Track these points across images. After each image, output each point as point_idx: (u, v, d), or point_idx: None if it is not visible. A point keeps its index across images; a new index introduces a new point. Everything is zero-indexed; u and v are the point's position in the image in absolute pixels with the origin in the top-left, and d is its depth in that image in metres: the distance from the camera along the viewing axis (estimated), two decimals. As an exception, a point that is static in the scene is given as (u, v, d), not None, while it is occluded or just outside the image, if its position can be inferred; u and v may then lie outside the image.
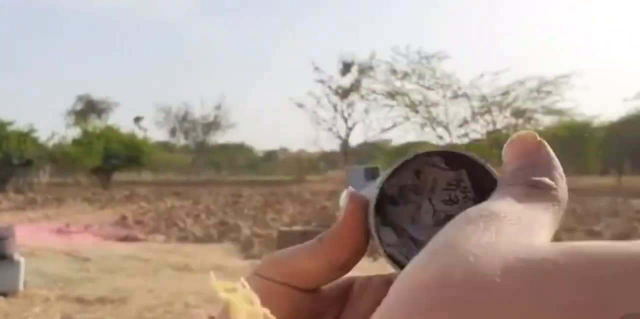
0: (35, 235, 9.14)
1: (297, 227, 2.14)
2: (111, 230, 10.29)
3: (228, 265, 6.97)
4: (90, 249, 8.04)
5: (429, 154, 0.34)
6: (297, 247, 0.34)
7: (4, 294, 5.16)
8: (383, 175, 0.33)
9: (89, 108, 43.41)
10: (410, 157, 0.32)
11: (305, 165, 30.36)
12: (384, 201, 0.36)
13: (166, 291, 5.56)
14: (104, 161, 25.55)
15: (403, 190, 0.37)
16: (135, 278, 6.28)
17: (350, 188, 0.36)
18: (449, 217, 0.35)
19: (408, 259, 0.35)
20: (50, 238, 9.19)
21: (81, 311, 4.81)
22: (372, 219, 0.33)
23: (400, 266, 0.34)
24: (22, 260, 5.48)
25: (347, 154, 33.58)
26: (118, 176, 27.56)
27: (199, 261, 7.16)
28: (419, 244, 0.36)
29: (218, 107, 39.83)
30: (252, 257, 7.21)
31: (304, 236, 2.11)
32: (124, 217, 11.57)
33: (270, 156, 41.42)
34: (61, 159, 25.64)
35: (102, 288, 5.68)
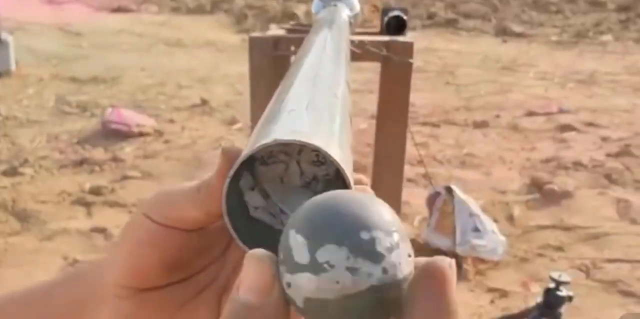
0: (24, 6, 8.90)
1: (271, 32, 2.04)
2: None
3: (220, 40, 6.89)
4: (82, 23, 7.89)
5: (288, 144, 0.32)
6: (180, 191, 0.36)
7: (-3, 75, 5.19)
8: (247, 150, 0.32)
9: None
10: (271, 142, 0.31)
11: None
12: (254, 161, 0.36)
13: (159, 69, 5.58)
14: None
15: (273, 152, 0.36)
16: (128, 54, 6.26)
17: (226, 145, 0.36)
18: (316, 178, 0.38)
19: (275, 217, 0.36)
20: (40, 9, 8.96)
21: (75, 92, 4.88)
22: (225, 190, 0.32)
23: (267, 226, 0.36)
24: (10, 39, 5.40)
25: None
26: None
27: (192, 36, 7.06)
28: (283, 211, 0.36)
29: None
30: (245, 31, 7.08)
31: (277, 44, 2.05)
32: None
33: None
34: None
35: (95, 66, 5.69)
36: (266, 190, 0.36)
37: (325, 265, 0.23)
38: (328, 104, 0.38)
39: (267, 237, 0.35)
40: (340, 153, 0.32)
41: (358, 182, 0.36)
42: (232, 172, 0.32)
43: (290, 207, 0.36)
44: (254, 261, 0.25)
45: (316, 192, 0.38)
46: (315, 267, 0.23)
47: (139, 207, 0.37)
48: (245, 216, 0.36)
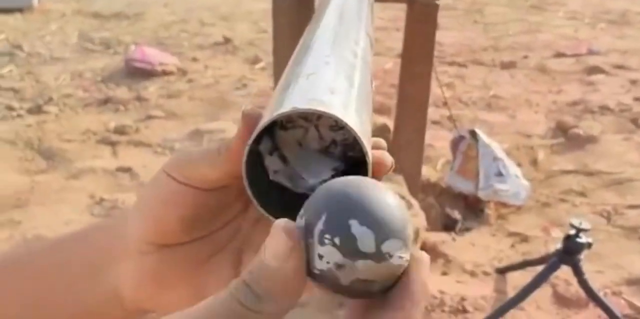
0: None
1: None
2: None
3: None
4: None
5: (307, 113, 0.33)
6: (201, 152, 0.37)
7: (20, 10, 5.15)
8: (267, 117, 0.33)
9: None
10: (289, 112, 0.32)
11: None
12: (273, 125, 0.37)
13: (181, 6, 5.51)
14: None
15: (292, 117, 0.37)
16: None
17: (247, 107, 0.36)
18: (334, 142, 0.38)
19: (293, 181, 0.38)
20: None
21: (98, 28, 4.85)
22: (245, 157, 0.33)
23: (286, 189, 0.37)
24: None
25: None
26: None
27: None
28: (301, 175, 0.38)
29: None
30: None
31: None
32: None
33: None
34: None
35: (117, 1, 5.63)
36: (285, 154, 0.38)
37: (387, 255, 0.28)
38: (347, 65, 0.38)
39: (285, 199, 0.36)
40: (357, 120, 0.33)
41: (377, 146, 0.36)
42: (251, 139, 0.33)
43: (308, 171, 0.37)
44: (279, 231, 0.28)
45: (335, 157, 0.38)
46: (379, 256, 0.27)
47: (163, 166, 0.38)
48: (264, 179, 0.37)
